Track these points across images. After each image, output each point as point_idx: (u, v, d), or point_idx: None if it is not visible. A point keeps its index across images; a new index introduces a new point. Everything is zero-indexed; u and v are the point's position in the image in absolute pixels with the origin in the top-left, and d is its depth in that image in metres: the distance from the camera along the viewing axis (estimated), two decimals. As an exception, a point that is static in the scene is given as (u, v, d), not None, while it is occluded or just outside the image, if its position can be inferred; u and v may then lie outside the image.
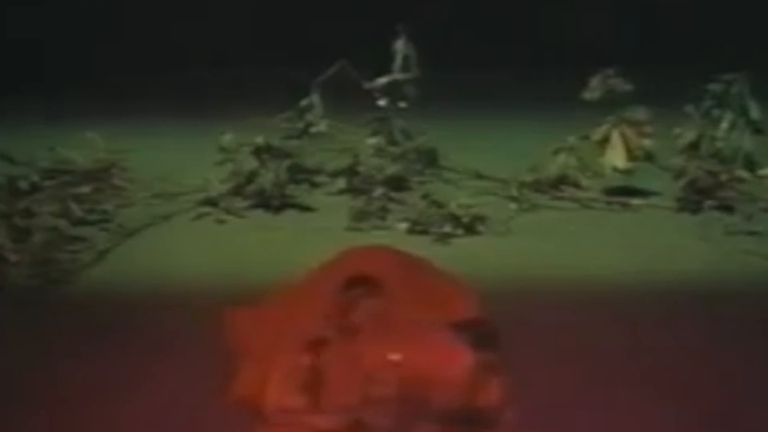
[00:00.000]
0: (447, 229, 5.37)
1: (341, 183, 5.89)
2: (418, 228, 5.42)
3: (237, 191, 5.78)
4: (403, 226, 5.45)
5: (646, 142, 5.78)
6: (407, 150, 6.01)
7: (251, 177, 5.77)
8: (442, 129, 6.18)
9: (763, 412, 3.90)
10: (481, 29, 7.94)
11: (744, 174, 5.70)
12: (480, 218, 5.42)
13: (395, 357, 3.71)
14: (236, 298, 4.44)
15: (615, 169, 5.80)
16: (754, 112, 5.71)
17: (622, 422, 3.84)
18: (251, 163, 5.78)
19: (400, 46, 5.95)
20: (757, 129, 5.72)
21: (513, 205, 5.72)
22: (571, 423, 3.82)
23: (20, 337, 4.44)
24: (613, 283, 4.89)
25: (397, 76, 5.96)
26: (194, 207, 5.71)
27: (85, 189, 5.69)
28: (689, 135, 5.75)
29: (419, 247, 4.95)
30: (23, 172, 5.71)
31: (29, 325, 4.54)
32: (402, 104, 6.00)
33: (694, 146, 5.75)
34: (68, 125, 6.29)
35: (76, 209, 5.50)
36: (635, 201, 5.77)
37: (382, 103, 5.99)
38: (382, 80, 5.96)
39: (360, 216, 5.54)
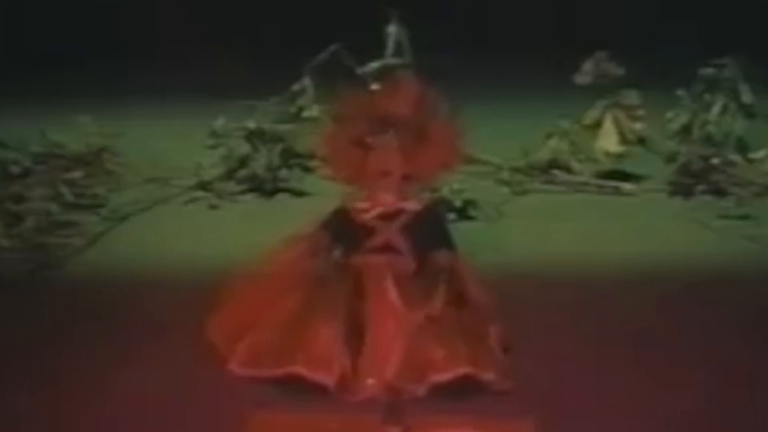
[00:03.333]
0: (439, 213, 5.36)
1: (334, 167, 5.87)
2: (410, 212, 5.40)
3: (229, 176, 5.77)
4: (396, 210, 5.44)
5: (638, 126, 5.78)
6: (400, 134, 5.99)
7: (243, 161, 5.77)
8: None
9: (755, 393, 3.91)
10: (472, 13, 7.93)
11: (736, 158, 5.70)
12: (472, 202, 5.42)
13: None
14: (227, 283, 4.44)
15: (607, 153, 5.80)
16: (746, 96, 5.71)
17: (616, 405, 3.84)
18: (243, 148, 5.78)
19: (392, 30, 5.94)
20: (748, 113, 5.73)
21: (505, 190, 5.72)
22: (565, 405, 3.82)
23: (13, 321, 4.43)
24: (605, 266, 4.90)
25: (390, 60, 5.95)
26: (186, 191, 5.70)
27: (77, 173, 5.68)
28: (681, 119, 5.75)
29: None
30: (14, 157, 5.70)
31: (22, 309, 4.53)
32: (394, 88, 5.98)
33: (686, 130, 5.75)
34: (60, 109, 6.27)
35: (68, 194, 5.49)
36: (627, 185, 5.77)
37: (374, 87, 5.97)
38: (375, 64, 5.95)
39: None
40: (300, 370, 3.83)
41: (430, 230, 4.11)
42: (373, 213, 4.07)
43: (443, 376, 3.81)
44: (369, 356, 3.87)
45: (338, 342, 3.88)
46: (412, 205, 4.10)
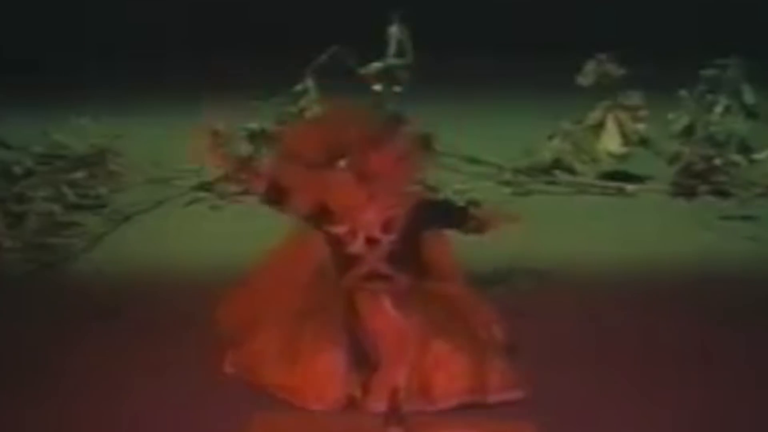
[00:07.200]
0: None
1: (336, 168, 5.87)
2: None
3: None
4: (398, 211, 5.43)
5: (641, 127, 5.78)
6: (402, 135, 5.99)
7: (246, 162, 5.76)
8: (437, 114, 6.17)
9: (756, 393, 3.91)
10: (475, 14, 7.93)
11: (738, 158, 5.70)
12: (475, 203, 5.40)
13: None
14: (229, 283, 4.44)
15: (610, 154, 5.79)
16: (748, 97, 5.71)
17: (617, 408, 3.84)
18: (245, 148, 5.77)
19: (394, 31, 5.94)
20: (751, 113, 5.73)
21: (507, 190, 5.72)
22: (565, 407, 3.82)
23: (16, 321, 4.43)
24: (608, 267, 4.90)
25: (392, 61, 5.95)
26: (188, 192, 5.70)
27: (79, 174, 5.68)
28: (683, 120, 5.75)
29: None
30: (17, 157, 5.70)
31: (24, 309, 4.53)
32: (396, 89, 5.99)
33: (688, 131, 5.75)
34: (62, 111, 6.27)
35: (70, 194, 5.50)
36: (630, 186, 5.77)
37: (376, 87, 5.98)
38: (377, 65, 5.95)
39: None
40: (291, 398, 3.81)
41: (422, 224, 4.02)
42: (358, 242, 3.94)
43: (449, 403, 3.79)
44: (376, 382, 3.80)
45: (339, 373, 3.81)
46: (393, 213, 3.96)
